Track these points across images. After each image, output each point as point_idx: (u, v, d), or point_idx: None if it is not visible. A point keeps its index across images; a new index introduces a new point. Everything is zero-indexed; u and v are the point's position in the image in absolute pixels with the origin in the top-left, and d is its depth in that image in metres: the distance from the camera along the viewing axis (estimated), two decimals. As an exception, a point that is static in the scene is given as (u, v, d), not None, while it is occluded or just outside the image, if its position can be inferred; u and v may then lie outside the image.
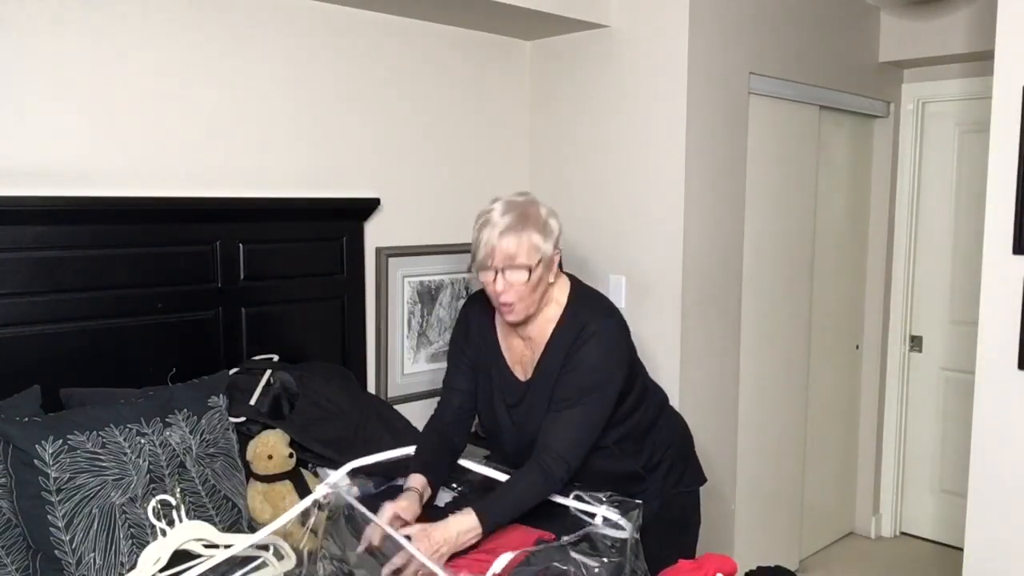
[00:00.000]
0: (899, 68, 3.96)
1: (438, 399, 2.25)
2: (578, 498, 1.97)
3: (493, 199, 2.02)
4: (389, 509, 1.85)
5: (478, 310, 2.17)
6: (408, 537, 1.76)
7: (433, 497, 2.05)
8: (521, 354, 2.08)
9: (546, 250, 1.94)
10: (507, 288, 1.93)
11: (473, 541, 1.82)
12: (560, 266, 2.08)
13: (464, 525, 1.81)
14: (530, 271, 1.91)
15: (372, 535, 1.81)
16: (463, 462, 2.17)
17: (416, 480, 2.01)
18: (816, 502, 3.89)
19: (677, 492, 2.17)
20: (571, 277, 2.12)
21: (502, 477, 2.04)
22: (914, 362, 4.12)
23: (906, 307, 4.09)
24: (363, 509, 1.79)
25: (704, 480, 2.29)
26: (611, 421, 2.02)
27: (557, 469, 1.91)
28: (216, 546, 1.79)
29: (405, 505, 1.89)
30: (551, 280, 2.00)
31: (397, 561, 1.74)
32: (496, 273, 1.92)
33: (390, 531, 1.75)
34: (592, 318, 1.99)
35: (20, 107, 2.14)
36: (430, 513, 1.98)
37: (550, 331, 2.01)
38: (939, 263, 4.00)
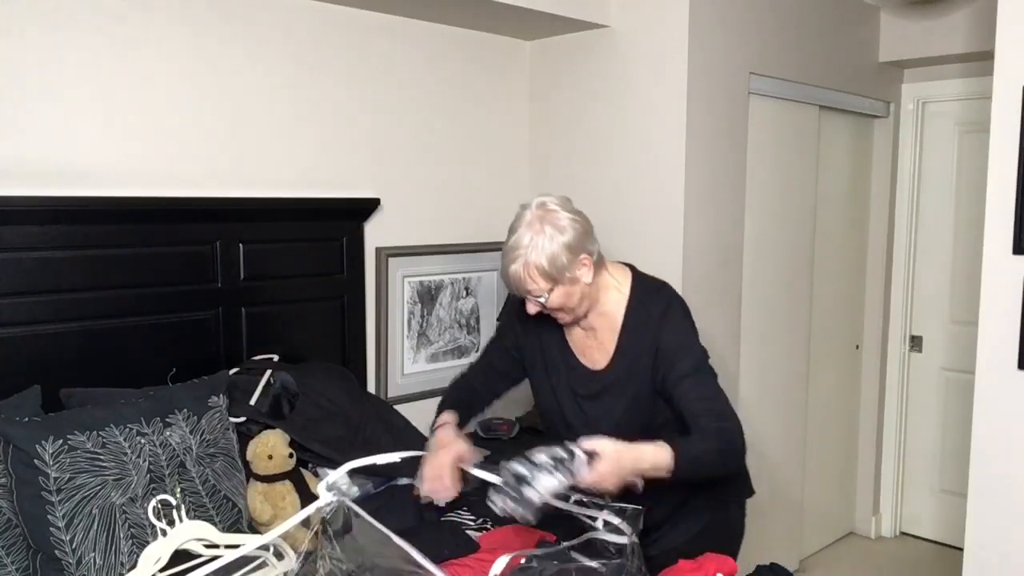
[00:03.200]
0: (899, 68, 3.96)
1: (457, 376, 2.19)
2: (579, 503, 1.98)
3: (523, 205, 1.92)
4: (452, 453, 1.83)
5: None
6: (590, 455, 1.63)
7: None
8: (584, 343, 2.01)
9: (558, 268, 1.83)
10: (536, 310, 1.90)
11: (658, 476, 1.71)
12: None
13: (658, 460, 1.71)
14: (545, 296, 1.86)
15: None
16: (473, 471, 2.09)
17: (450, 415, 1.99)
18: (816, 502, 3.89)
19: (726, 503, 2.09)
20: (630, 266, 2.05)
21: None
22: (914, 362, 4.12)
23: (906, 307, 4.09)
24: (369, 519, 1.78)
25: (752, 492, 2.18)
26: (668, 421, 1.93)
27: (729, 433, 1.81)
28: (216, 546, 1.80)
29: (464, 449, 1.86)
30: (587, 282, 1.90)
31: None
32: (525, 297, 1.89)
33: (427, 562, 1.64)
34: (662, 302, 1.95)
35: (20, 107, 2.14)
36: (428, 516, 1.97)
37: (619, 320, 1.95)
38: (939, 263, 4.00)
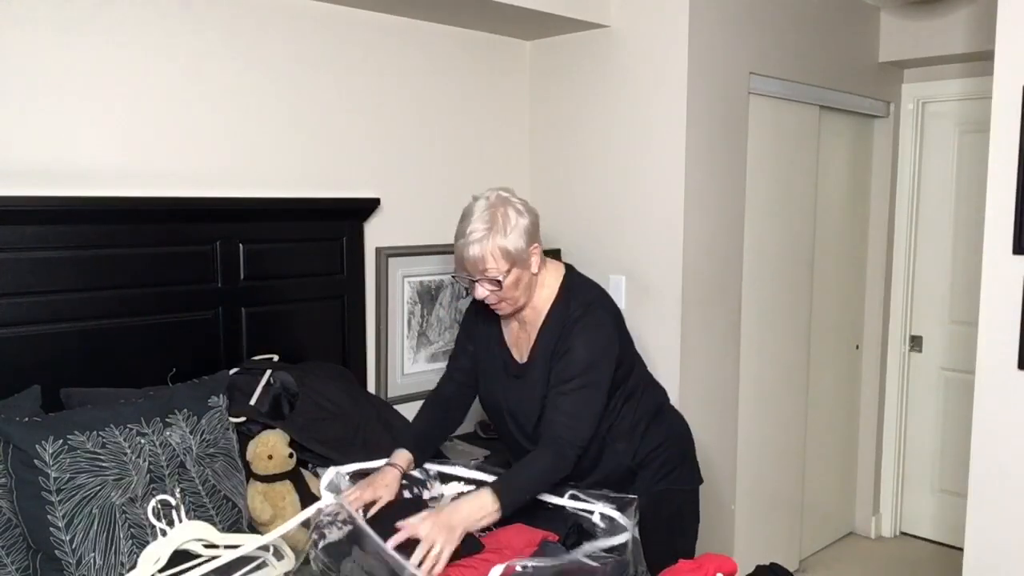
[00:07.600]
0: (899, 68, 3.96)
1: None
2: (574, 497, 1.98)
3: (475, 196, 2.04)
4: (356, 496, 1.92)
5: None
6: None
7: (418, 464, 2.13)
8: (517, 336, 2.15)
9: (518, 250, 1.97)
10: (486, 293, 2.01)
11: (489, 523, 1.83)
12: (560, 254, 2.08)
13: (479, 506, 1.82)
14: (503, 277, 1.97)
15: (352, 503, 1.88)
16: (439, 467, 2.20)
17: (401, 457, 2.08)
18: (816, 502, 3.89)
19: (668, 490, 2.16)
20: (567, 266, 2.17)
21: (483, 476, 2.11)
22: (914, 362, 4.12)
23: (906, 307, 4.09)
24: (368, 529, 1.77)
25: (700, 481, 2.29)
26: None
27: (567, 451, 1.96)
28: (216, 546, 1.80)
29: (376, 492, 1.95)
30: (534, 272, 2.04)
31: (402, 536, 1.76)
32: (473, 281, 2.01)
33: (382, 542, 1.72)
34: (581, 306, 2.05)
35: (21, 107, 2.14)
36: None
37: (543, 315, 2.08)
38: (939, 263, 4.00)
